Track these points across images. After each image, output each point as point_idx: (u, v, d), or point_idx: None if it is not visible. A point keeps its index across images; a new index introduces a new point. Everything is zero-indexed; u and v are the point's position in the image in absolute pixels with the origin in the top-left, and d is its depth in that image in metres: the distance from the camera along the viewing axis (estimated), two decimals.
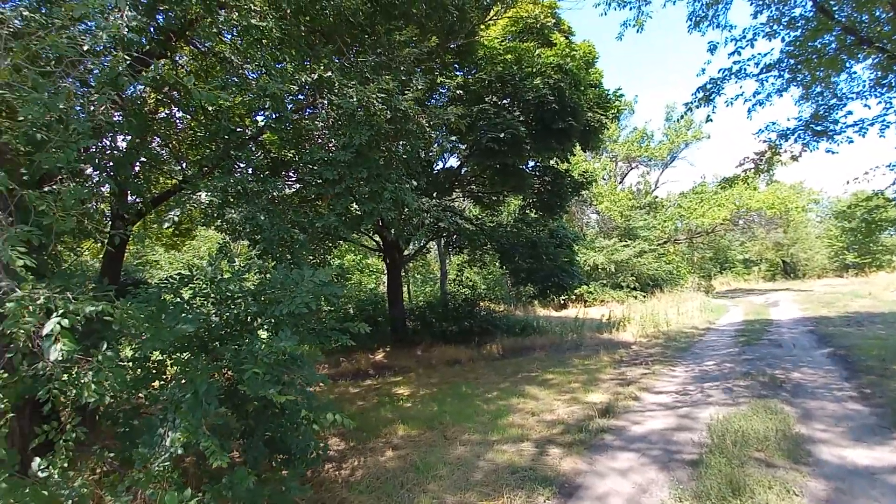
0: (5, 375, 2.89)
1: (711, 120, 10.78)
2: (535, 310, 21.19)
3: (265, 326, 4.04)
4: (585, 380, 8.57)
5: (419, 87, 6.06)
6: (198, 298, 3.69)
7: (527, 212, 14.36)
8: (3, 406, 2.75)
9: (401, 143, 6.41)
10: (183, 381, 3.15)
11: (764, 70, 9.68)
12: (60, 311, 2.46)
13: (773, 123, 10.71)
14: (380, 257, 16.41)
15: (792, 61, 9.38)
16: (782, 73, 9.67)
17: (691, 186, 37.14)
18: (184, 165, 7.12)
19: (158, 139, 6.97)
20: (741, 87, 12.05)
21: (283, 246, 5.19)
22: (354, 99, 4.91)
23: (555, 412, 6.61)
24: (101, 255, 7.25)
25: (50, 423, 3.29)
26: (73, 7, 3.27)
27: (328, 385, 8.75)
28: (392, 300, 13.29)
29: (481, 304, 16.05)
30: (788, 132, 10.45)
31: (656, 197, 36.90)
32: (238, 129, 6.25)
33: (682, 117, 16.93)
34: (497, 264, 15.88)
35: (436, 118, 6.48)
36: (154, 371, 3.57)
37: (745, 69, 9.71)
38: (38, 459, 2.81)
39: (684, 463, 4.54)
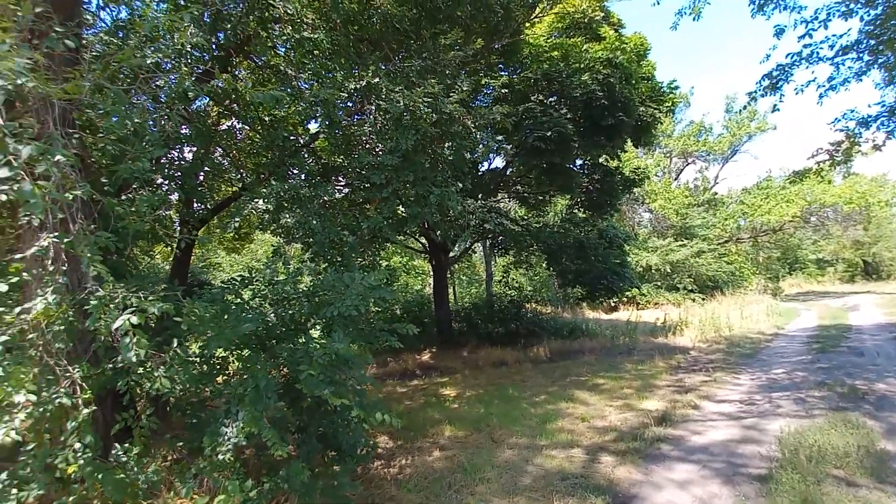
0: (90, 368, 3.18)
1: (778, 109, 9.95)
2: (584, 312, 20.55)
3: (317, 326, 4.20)
4: (639, 386, 8.20)
5: (464, 89, 6.08)
6: (256, 299, 3.89)
7: (574, 211, 13.98)
8: (88, 395, 3.02)
9: (446, 145, 6.45)
10: (245, 376, 3.32)
11: (840, 53, 8.84)
12: (130, 310, 2.67)
13: (852, 111, 9.75)
14: (425, 259, 16.59)
15: (872, 42, 8.50)
16: (861, 55, 8.79)
17: (755, 181, 34.65)
18: (243, 174, 7.56)
19: (220, 150, 7.46)
20: (813, 72, 11.07)
21: (334, 248, 5.38)
22: (401, 103, 5.00)
23: (606, 418, 6.38)
24: (170, 259, 7.85)
25: (128, 412, 3.60)
26: (143, 25, 3.56)
27: (377, 386, 8.94)
28: (438, 301, 13.38)
29: (527, 305, 15.79)
30: (870, 119, 9.48)
31: (715, 193, 34.76)
32: (292, 138, 6.56)
33: (744, 108, 15.78)
34: (544, 265, 15.57)
35: (481, 119, 6.47)
36: (218, 367, 3.80)
37: (817, 52, 8.91)
38: (117, 445, 3.07)
39: (751, 478, 4.23)
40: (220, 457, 2.92)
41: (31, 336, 2.81)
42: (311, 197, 5.11)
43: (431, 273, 14.67)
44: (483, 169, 13.14)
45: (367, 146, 5.83)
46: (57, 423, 2.88)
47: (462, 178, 7.29)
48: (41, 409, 2.76)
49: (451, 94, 5.91)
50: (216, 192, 7.51)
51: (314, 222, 4.85)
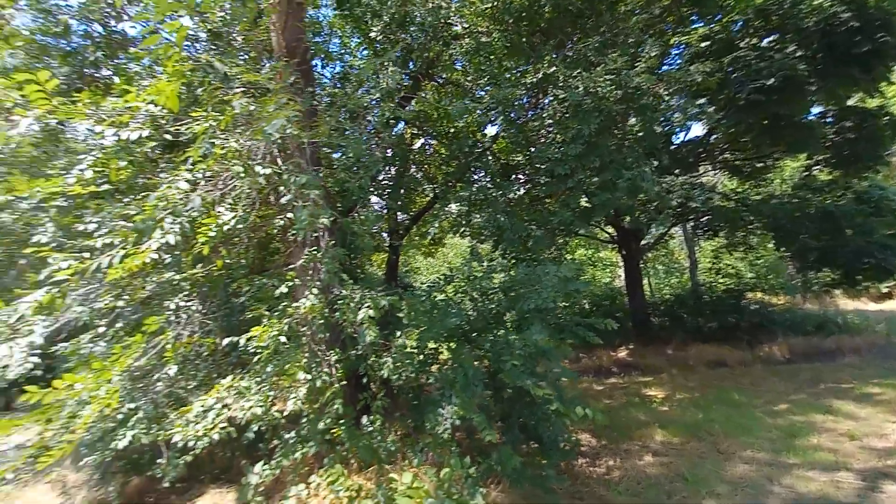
0: (339, 353, 3.97)
1: None
2: (836, 301, 15.98)
3: (513, 320, 4.34)
4: None
5: (652, 55, 5.41)
6: (458, 295, 4.25)
7: (812, 174, 10.98)
8: (340, 374, 3.77)
9: (630, 122, 5.88)
10: (455, 365, 3.67)
11: None
12: (367, 304, 3.22)
13: None
14: (613, 249, 15.44)
15: None
16: None
17: None
18: (434, 185, 8.41)
19: (414, 166, 8.45)
20: None
21: (522, 243, 5.48)
22: (580, 88, 4.77)
23: (888, 438, 4.86)
24: (383, 265, 9.26)
25: (366, 392, 4.37)
26: (358, 74, 4.28)
27: (573, 380, 8.75)
28: (631, 294, 12.31)
29: (749, 295, 13.16)
30: None
31: None
32: (473, 143, 6.97)
33: None
34: (769, 245, 12.72)
35: (675, 84, 5.66)
36: (431, 357, 4.28)
37: None
38: (365, 418, 3.76)
39: None
40: (444, 434, 3.28)
41: (301, 328, 3.67)
42: (497, 197, 5.31)
43: (622, 263, 13.59)
44: (678, 142, 11.48)
45: (548, 139, 5.75)
46: (321, 397, 3.69)
47: (656, 154, 6.52)
48: (313, 385, 3.58)
49: (637, 64, 5.34)
50: (414, 204, 8.51)
51: (502, 220, 5.03)
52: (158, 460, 4.06)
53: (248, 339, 3.26)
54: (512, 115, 5.83)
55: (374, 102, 4.80)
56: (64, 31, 4.43)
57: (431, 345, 4.35)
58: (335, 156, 4.91)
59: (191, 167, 2.79)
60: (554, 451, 4.16)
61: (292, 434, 4.08)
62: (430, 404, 3.62)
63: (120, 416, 3.64)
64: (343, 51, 7.05)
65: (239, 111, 2.69)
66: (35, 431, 3.98)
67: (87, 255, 2.75)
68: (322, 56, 6.28)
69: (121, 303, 4.03)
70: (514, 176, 7.65)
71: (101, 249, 3.29)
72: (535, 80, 5.27)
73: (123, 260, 2.57)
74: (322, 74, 6.91)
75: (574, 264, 4.41)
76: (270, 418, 3.60)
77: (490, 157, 6.47)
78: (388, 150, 5.90)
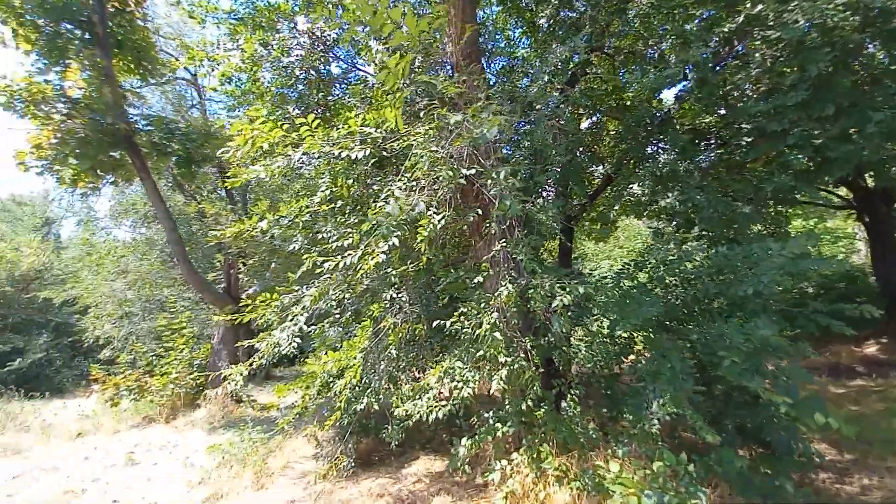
0: (533, 340, 4.10)
1: None
2: None
3: (722, 307, 3.83)
4: None
5: None
6: (652, 282, 3.95)
7: None
8: (536, 360, 3.90)
9: (878, 50, 4.51)
10: (658, 357, 3.43)
11: None
12: (565, 291, 3.24)
13: None
14: (848, 217, 12.16)
15: None
16: None
17: None
18: (606, 165, 7.90)
19: (582, 148, 8.08)
20: None
21: (724, 222, 4.75)
22: (800, 21, 3.88)
23: None
24: (554, 252, 9.14)
25: (560, 380, 4.41)
26: (523, 66, 4.30)
27: (811, 381, 7.30)
28: (880, 272, 9.55)
29: None
30: None
31: None
32: (652, 114, 6.31)
33: None
34: None
35: None
36: (626, 347, 4.08)
37: None
38: (564, 402, 3.81)
39: None
40: (651, 429, 3.11)
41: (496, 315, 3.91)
42: (689, 171, 4.73)
43: (865, 233, 10.63)
44: None
45: (752, 92, 4.84)
46: (518, 381, 3.87)
47: None
48: (511, 368, 3.78)
49: None
50: (589, 187, 8.16)
51: (698, 197, 4.45)
52: (385, 426, 4.87)
53: (452, 324, 3.64)
54: (702, 73, 5.09)
55: (543, 90, 4.76)
56: (293, 82, 5.61)
57: (623, 334, 4.16)
58: (505, 150, 5.04)
59: (405, 176, 3.24)
60: (786, 460, 3.56)
61: (491, 414, 4.41)
62: (633, 396, 3.46)
63: (355, 388, 4.48)
64: (505, 45, 7.18)
65: (452, 123, 3.01)
66: (296, 397, 5.16)
67: (337, 257, 3.44)
68: (487, 53, 6.50)
69: (346, 295, 4.94)
70: (702, 143, 6.68)
71: (335, 252, 4.09)
72: (732, 26, 4.49)
73: (361, 259, 3.15)
74: (487, 72, 7.16)
75: (807, 238, 3.61)
76: (472, 398, 3.97)
77: (673, 126, 5.75)
78: (559, 136, 5.79)
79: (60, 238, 21.15)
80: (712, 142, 6.77)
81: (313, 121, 3.72)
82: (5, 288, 14.14)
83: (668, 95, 8.50)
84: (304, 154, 3.52)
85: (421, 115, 3.61)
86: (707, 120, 6.65)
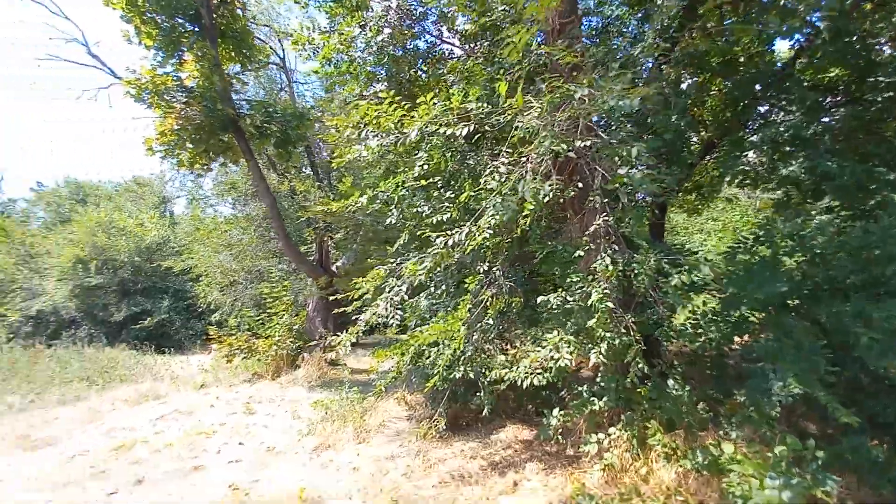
0: (636, 316, 3.98)
1: None
2: None
3: (857, 286, 3.43)
4: None
5: None
6: (778, 258, 3.62)
7: None
8: (638, 336, 3.77)
9: None
10: (778, 336, 3.20)
11: None
12: (682, 269, 3.10)
13: None
14: None
15: None
16: None
17: None
18: (706, 131, 7.19)
19: (678, 113, 7.41)
20: None
21: (860, 191, 4.18)
22: None
23: None
24: (648, 225, 8.59)
25: (660, 359, 4.25)
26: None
27: None
28: None
29: None
30: None
31: None
32: (766, 71, 5.63)
33: None
34: None
35: None
36: (738, 325, 3.83)
37: None
38: (670, 381, 3.70)
39: None
40: (772, 411, 2.94)
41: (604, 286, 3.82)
42: (818, 133, 4.20)
43: None
44: None
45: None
46: (620, 356, 3.80)
47: None
48: (612, 343, 3.72)
49: None
50: (685, 157, 7.54)
51: (830, 164, 3.95)
52: (477, 393, 5.05)
53: (555, 298, 3.65)
54: (837, 23, 4.42)
55: (651, 51, 4.42)
56: (385, 59, 5.74)
57: (738, 313, 3.90)
58: (595, 119, 4.79)
59: (509, 150, 3.24)
60: None
61: (584, 388, 4.40)
62: (752, 377, 3.27)
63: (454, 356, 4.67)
64: (596, 4, 6.72)
65: (578, 96, 2.94)
66: (391, 363, 5.47)
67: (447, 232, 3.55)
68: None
69: (438, 269, 5.10)
70: (827, 101, 5.85)
71: (432, 228, 4.22)
72: None
73: (469, 236, 3.23)
74: (582, 25, 6.76)
75: None
76: (566, 370, 3.98)
77: (799, 83, 5.06)
78: (671, 99, 5.37)
79: (174, 215, 23.87)
80: (839, 99, 5.92)
81: (417, 99, 3.80)
82: (134, 258, 16.39)
83: (781, 47, 7.53)
84: (419, 130, 3.61)
85: (530, 87, 3.54)
86: (831, 74, 5.79)
